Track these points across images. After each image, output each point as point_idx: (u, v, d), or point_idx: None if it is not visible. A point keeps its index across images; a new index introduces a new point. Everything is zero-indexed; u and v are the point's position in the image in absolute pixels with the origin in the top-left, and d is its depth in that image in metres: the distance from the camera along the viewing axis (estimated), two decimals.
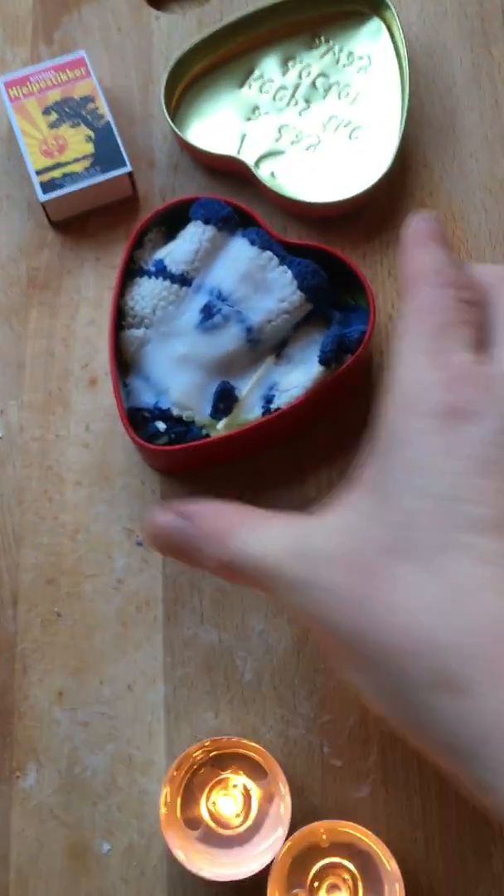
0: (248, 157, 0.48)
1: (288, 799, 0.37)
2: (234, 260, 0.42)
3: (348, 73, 0.50)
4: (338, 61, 0.50)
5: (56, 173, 0.46)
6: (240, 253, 0.42)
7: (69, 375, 0.45)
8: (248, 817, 0.38)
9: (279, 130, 0.49)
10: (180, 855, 0.37)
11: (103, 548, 0.43)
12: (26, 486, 0.44)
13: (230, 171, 0.48)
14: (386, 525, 0.28)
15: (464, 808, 0.38)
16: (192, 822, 0.38)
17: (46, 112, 0.47)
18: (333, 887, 0.37)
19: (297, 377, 0.42)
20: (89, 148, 0.47)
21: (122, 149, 0.47)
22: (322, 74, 0.50)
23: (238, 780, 0.39)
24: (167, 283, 0.42)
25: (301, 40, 0.50)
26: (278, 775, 0.38)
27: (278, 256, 0.42)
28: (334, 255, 0.43)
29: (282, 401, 0.41)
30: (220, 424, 0.41)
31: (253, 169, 0.47)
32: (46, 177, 0.46)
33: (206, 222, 0.43)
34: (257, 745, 0.38)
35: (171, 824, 0.38)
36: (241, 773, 0.39)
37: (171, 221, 0.44)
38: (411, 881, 0.37)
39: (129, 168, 0.46)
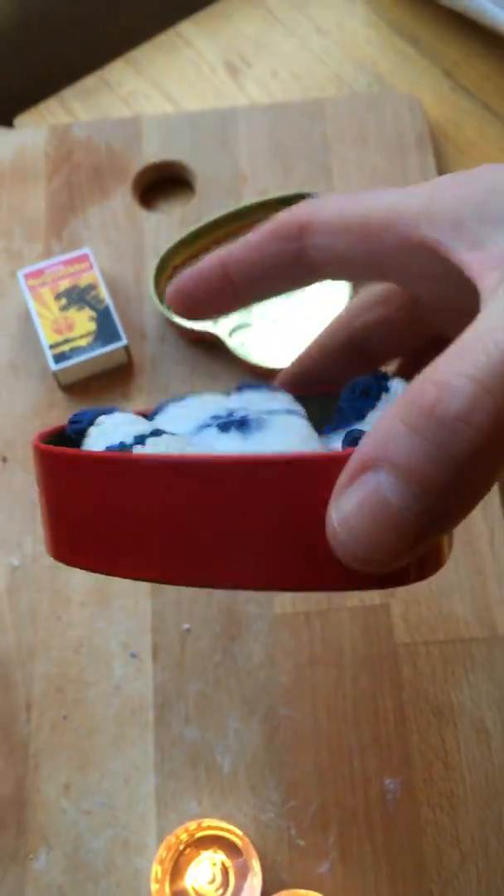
0: (222, 331, 0.58)
1: (259, 874, 0.44)
2: (197, 408, 0.32)
3: None
4: None
5: (65, 347, 0.57)
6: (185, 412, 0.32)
7: None
8: (226, 890, 0.45)
9: (248, 307, 0.59)
10: None
11: (103, 659, 0.51)
12: (38, 609, 0.52)
13: (207, 342, 0.59)
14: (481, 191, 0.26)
15: (412, 883, 0.45)
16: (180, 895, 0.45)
17: (58, 297, 0.58)
18: None
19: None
20: (92, 326, 0.57)
21: (119, 326, 0.57)
22: None
23: (217, 857, 0.46)
24: (165, 437, 0.30)
25: None
26: (251, 854, 0.45)
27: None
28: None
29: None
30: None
31: (226, 340, 0.58)
32: (57, 350, 0.57)
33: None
34: (234, 828, 0.45)
35: (160, 891, 0.44)
36: (220, 851, 0.46)
37: None
38: None
39: (125, 342, 0.57)
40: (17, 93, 0.72)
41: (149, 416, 0.33)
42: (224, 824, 0.46)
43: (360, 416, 0.32)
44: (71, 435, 0.30)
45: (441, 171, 0.64)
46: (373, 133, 0.66)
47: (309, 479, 0.23)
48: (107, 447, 0.28)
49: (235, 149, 0.66)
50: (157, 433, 0.28)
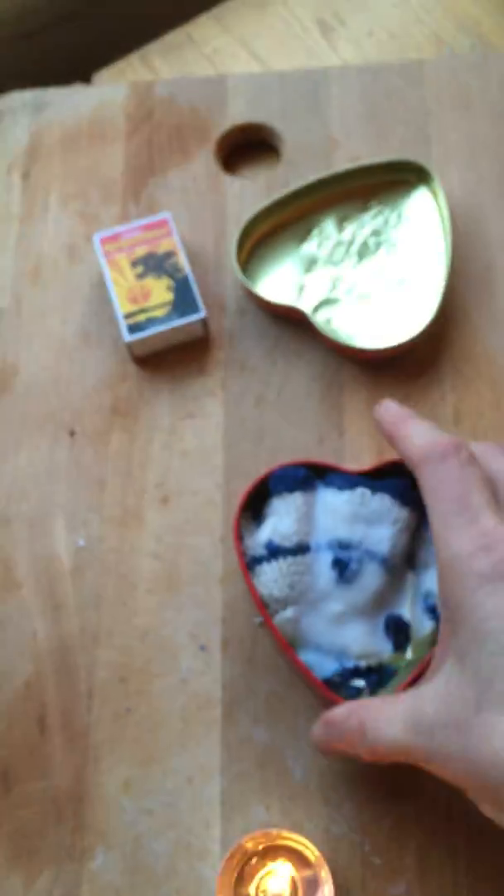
0: (306, 306, 0.55)
1: (331, 890, 0.41)
2: (333, 510, 0.46)
3: (397, 232, 0.57)
4: (387, 222, 0.57)
5: (140, 317, 0.53)
6: (335, 502, 0.46)
7: (144, 494, 0.51)
8: None
9: (334, 282, 0.56)
10: None
11: (170, 650, 0.48)
12: (103, 593, 0.49)
13: (290, 317, 0.55)
14: (470, 686, 0.33)
15: None
16: None
17: (134, 265, 0.55)
18: None
19: None
20: (170, 296, 0.54)
21: (198, 298, 0.54)
22: (374, 233, 0.57)
23: (285, 869, 0.43)
24: (289, 559, 0.45)
25: (355, 204, 0.58)
26: (323, 867, 0.42)
27: (368, 488, 0.46)
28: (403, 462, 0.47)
29: None
30: (409, 654, 0.45)
31: (310, 316, 0.54)
32: (132, 320, 0.53)
33: (291, 491, 0.46)
34: (304, 839, 0.42)
35: None
36: (289, 863, 0.43)
37: (253, 503, 0.47)
38: None
39: (203, 314, 0.53)
40: (96, 47, 0.69)
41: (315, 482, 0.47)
42: (297, 836, 0.43)
43: None
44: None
45: None
46: (476, 98, 0.61)
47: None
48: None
49: (326, 112, 0.62)
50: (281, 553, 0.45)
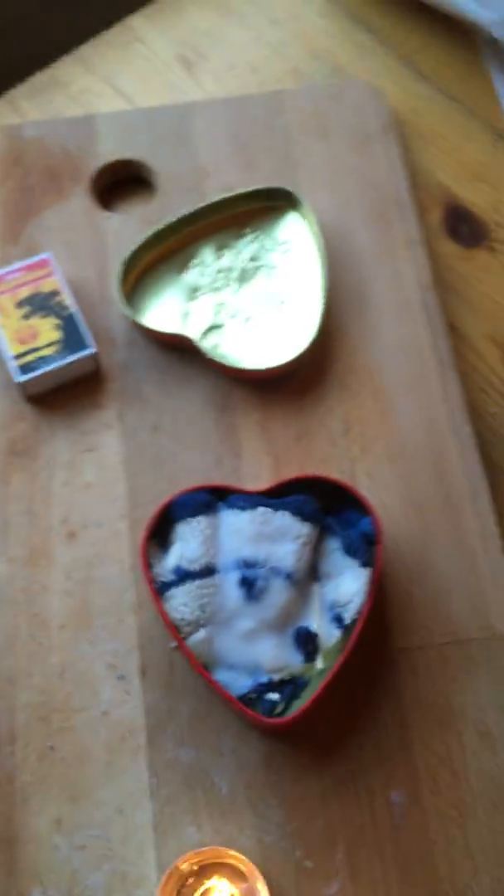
0: (193, 332, 0.56)
1: None
2: (237, 531, 0.47)
3: (273, 256, 0.59)
4: (263, 247, 0.59)
5: (30, 357, 0.54)
6: (238, 523, 0.47)
7: (50, 531, 0.52)
8: None
9: (218, 308, 0.57)
10: None
11: (89, 684, 0.48)
12: (16, 634, 0.49)
13: (179, 345, 0.56)
14: None
15: (423, 893, 0.43)
16: None
17: (19, 306, 0.55)
18: None
19: (348, 586, 0.46)
20: (58, 335, 0.54)
21: (86, 334, 0.54)
22: (251, 259, 0.59)
23: (222, 885, 0.43)
24: (197, 581, 0.46)
25: (231, 232, 0.60)
26: (257, 878, 0.43)
27: (269, 506, 0.47)
28: (306, 478, 0.49)
29: (351, 612, 0.46)
30: (319, 664, 0.46)
31: (197, 342, 0.55)
32: (22, 360, 0.54)
33: (194, 516, 0.48)
34: (237, 854, 0.43)
35: None
36: (224, 878, 0.44)
37: (158, 530, 0.48)
38: None
39: (93, 349, 0.54)
40: None
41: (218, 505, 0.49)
42: (229, 851, 0.44)
43: (347, 548, 0.48)
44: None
45: (407, 160, 0.63)
46: (335, 124, 0.64)
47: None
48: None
49: (195, 144, 0.64)
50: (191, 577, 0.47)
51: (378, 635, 0.49)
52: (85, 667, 0.48)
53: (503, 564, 0.50)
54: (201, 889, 0.43)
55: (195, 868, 0.44)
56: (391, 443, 0.54)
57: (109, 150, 0.63)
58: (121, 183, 0.64)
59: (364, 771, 0.46)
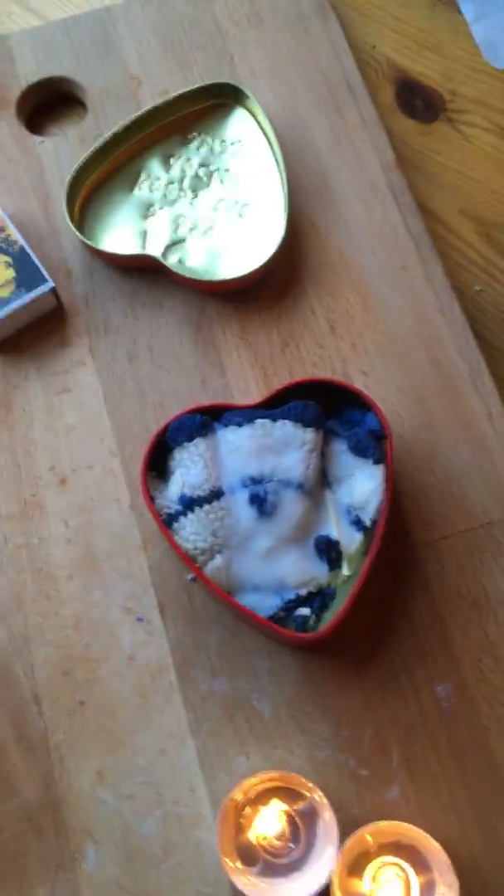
0: (155, 251, 0.53)
1: (331, 812, 0.41)
2: (238, 448, 0.45)
3: (224, 158, 0.55)
4: (213, 150, 0.55)
5: None
6: (238, 440, 0.45)
7: (39, 480, 0.49)
8: (298, 841, 0.42)
9: (176, 221, 0.54)
10: (249, 891, 0.40)
11: (107, 630, 0.46)
12: (22, 591, 0.47)
13: (141, 266, 0.53)
14: None
15: (486, 780, 0.42)
16: (250, 860, 0.41)
17: None
18: (389, 883, 0.41)
19: (362, 487, 0.44)
20: (10, 273, 0.51)
21: (41, 268, 0.51)
22: (202, 164, 0.55)
23: (280, 808, 0.42)
24: (205, 507, 0.44)
25: (177, 138, 0.56)
26: (315, 793, 0.41)
27: (267, 418, 0.45)
28: (300, 384, 0.46)
29: (370, 513, 0.44)
30: (345, 570, 0.44)
31: (161, 260, 0.52)
32: None
33: (191, 440, 0.45)
34: (291, 774, 0.42)
35: (233, 868, 0.41)
36: (282, 801, 0.42)
37: (155, 461, 0.46)
38: (455, 858, 0.40)
39: (51, 284, 0.51)
40: None
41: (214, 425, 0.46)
42: (282, 773, 0.42)
43: (356, 447, 0.45)
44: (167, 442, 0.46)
45: (348, 38, 0.59)
46: (266, 9, 0.60)
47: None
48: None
49: (121, 52, 0.59)
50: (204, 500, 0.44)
51: (399, 532, 0.47)
52: (100, 614, 0.46)
53: None
54: (260, 816, 0.42)
55: (251, 797, 0.42)
56: (380, 334, 0.51)
57: (30, 70, 0.59)
58: (48, 104, 0.59)
59: (406, 669, 0.44)
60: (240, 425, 0.45)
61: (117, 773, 0.43)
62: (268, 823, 0.42)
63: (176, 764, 0.43)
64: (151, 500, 0.45)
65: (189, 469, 0.45)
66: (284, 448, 0.45)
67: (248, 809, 0.42)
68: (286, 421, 0.45)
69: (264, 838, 0.42)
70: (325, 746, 0.43)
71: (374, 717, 0.44)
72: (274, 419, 0.45)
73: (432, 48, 0.60)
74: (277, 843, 0.42)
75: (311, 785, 0.41)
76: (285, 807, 0.42)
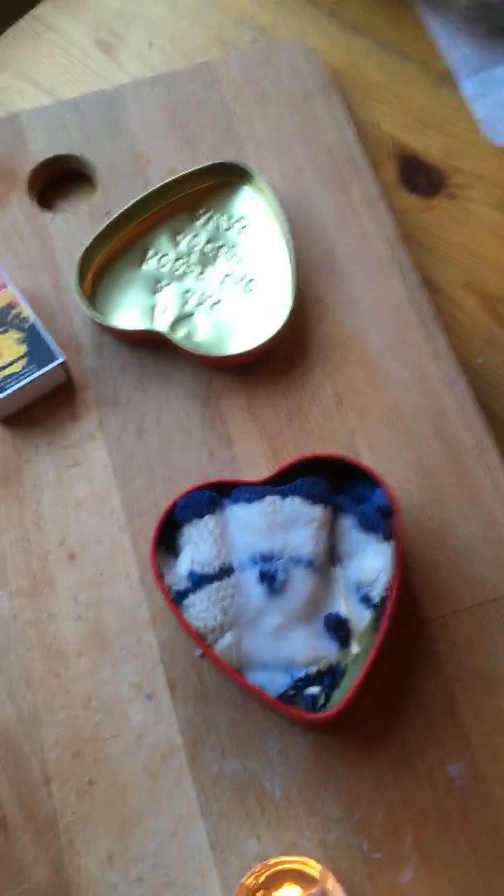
0: (162, 326, 0.53)
1: (342, 893, 0.40)
2: (247, 525, 0.45)
3: (231, 235, 0.56)
4: (220, 227, 0.57)
5: None
6: (247, 516, 0.45)
7: (48, 556, 0.49)
8: None
9: (184, 296, 0.55)
10: None
11: (118, 708, 0.46)
12: (31, 669, 0.46)
13: (150, 341, 0.54)
14: None
15: (501, 862, 0.42)
16: None
17: None
18: None
19: (371, 564, 0.44)
20: (22, 349, 0.51)
21: (52, 343, 0.51)
22: (209, 240, 0.56)
23: (293, 893, 0.41)
24: (214, 584, 0.44)
25: (185, 215, 0.57)
26: (328, 879, 0.41)
27: (276, 494, 0.45)
28: (308, 459, 0.47)
29: (379, 590, 0.44)
30: (354, 648, 0.44)
31: (169, 335, 0.53)
32: None
33: (201, 516, 0.45)
34: (302, 858, 0.41)
35: None
36: (295, 885, 0.42)
37: (164, 537, 0.46)
38: None
39: (61, 358, 0.51)
40: None
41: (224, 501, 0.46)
42: (294, 857, 0.42)
43: (363, 524, 0.46)
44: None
45: (352, 116, 0.61)
46: (271, 88, 0.62)
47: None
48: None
49: (130, 130, 0.61)
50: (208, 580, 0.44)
51: (408, 608, 0.47)
52: (110, 692, 0.46)
53: None
54: None
55: (262, 880, 0.42)
56: (386, 408, 0.52)
57: (40, 149, 0.60)
58: (58, 181, 0.60)
59: (418, 748, 0.44)
60: (249, 501, 0.46)
61: (127, 856, 0.43)
62: None
63: (186, 847, 0.43)
64: (160, 576, 0.45)
65: (198, 546, 0.45)
66: (294, 525, 0.45)
67: (259, 893, 0.42)
68: (295, 497, 0.45)
69: None
70: (337, 828, 0.43)
71: (386, 797, 0.44)
72: (283, 495, 0.46)
73: (435, 125, 0.62)
74: None
75: (322, 869, 0.41)
76: (298, 890, 0.42)
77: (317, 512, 0.45)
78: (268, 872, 0.42)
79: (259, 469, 0.50)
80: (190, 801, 0.44)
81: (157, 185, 0.56)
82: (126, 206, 0.55)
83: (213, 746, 0.45)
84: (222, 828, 0.43)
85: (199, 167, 0.57)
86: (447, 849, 0.43)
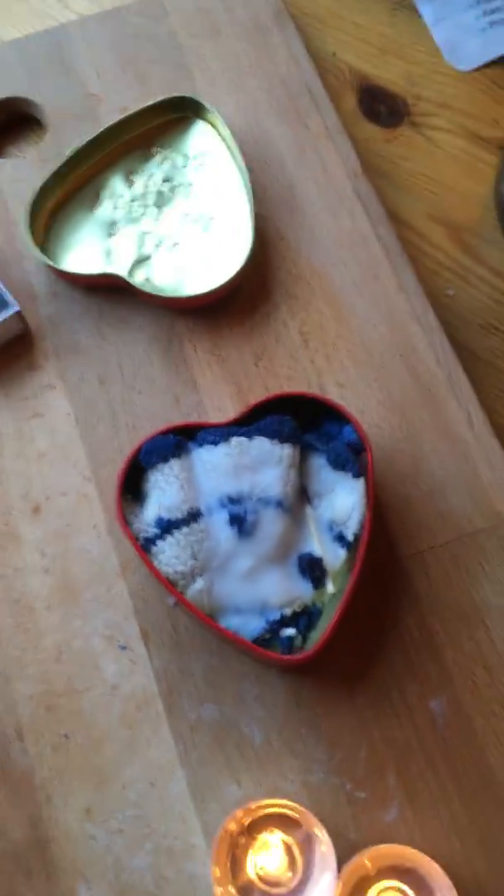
0: (120, 269, 0.52)
1: (328, 841, 0.39)
2: (214, 467, 0.43)
3: (187, 173, 0.54)
4: (175, 165, 0.55)
5: None
6: (213, 459, 0.44)
7: (11, 510, 0.47)
8: (295, 870, 0.40)
9: (141, 239, 0.53)
10: None
11: (90, 661, 0.44)
12: (0, 625, 0.45)
13: (107, 286, 0.52)
14: None
15: (488, 801, 0.42)
16: (247, 891, 0.40)
17: None
18: None
19: (343, 502, 0.43)
20: None
21: (5, 292, 0.50)
22: (165, 180, 0.54)
23: (275, 838, 0.41)
24: (183, 529, 0.43)
25: (139, 155, 0.55)
26: (312, 822, 0.40)
27: (242, 435, 0.44)
28: (274, 398, 0.45)
29: (352, 528, 0.43)
30: (329, 587, 0.43)
31: (127, 278, 0.51)
32: None
33: (166, 461, 0.44)
34: (285, 801, 0.41)
35: None
36: (277, 830, 0.41)
37: (129, 484, 0.45)
38: (459, 881, 0.39)
39: (16, 307, 0.49)
40: None
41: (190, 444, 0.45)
42: (276, 800, 0.41)
43: (335, 461, 0.44)
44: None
45: (308, 46, 0.59)
46: (223, 20, 0.59)
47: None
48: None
49: (78, 69, 0.58)
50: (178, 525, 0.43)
51: (384, 546, 0.46)
52: (81, 644, 0.45)
53: (496, 447, 0.48)
54: (255, 846, 0.41)
55: (245, 826, 0.41)
56: (354, 345, 0.50)
57: None
58: (7, 125, 0.58)
59: (398, 686, 0.43)
60: (215, 444, 0.44)
61: (106, 809, 0.42)
62: (263, 853, 0.41)
63: (166, 796, 0.42)
64: (128, 524, 0.43)
65: (165, 491, 0.44)
66: (262, 465, 0.44)
67: (242, 839, 0.41)
68: (262, 437, 0.44)
69: (260, 868, 0.40)
70: (319, 770, 0.42)
71: (368, 737, 0.43)
72: (250, 436, 0.44)
73: (394, 52, 0.60)
74: (274, 872, 0.40)
75: (305, 811, 0.40)
76: (281, 835, 0.41)
77: (285, 451, 0.44)
78: (250, 817, 0.41)
79: (226, 412, 0.49)
80: (168, 749, 0.43)
81: (108, 124, 0.54)
82: (75, 147, 0.53)
83: (190, 694, 0.44)
84: (202, 775, 0.42)
85: (150, 103, 0.54)
86: (431, 786, 0.42)
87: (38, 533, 0.47)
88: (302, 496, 0.45)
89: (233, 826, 0.41)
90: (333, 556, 0.43)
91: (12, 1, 0.63)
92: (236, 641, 0.42)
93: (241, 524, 0.43)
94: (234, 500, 0.43)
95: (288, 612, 0.43)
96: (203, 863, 0.41)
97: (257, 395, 0.49)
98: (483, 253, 0.55)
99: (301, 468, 0.45)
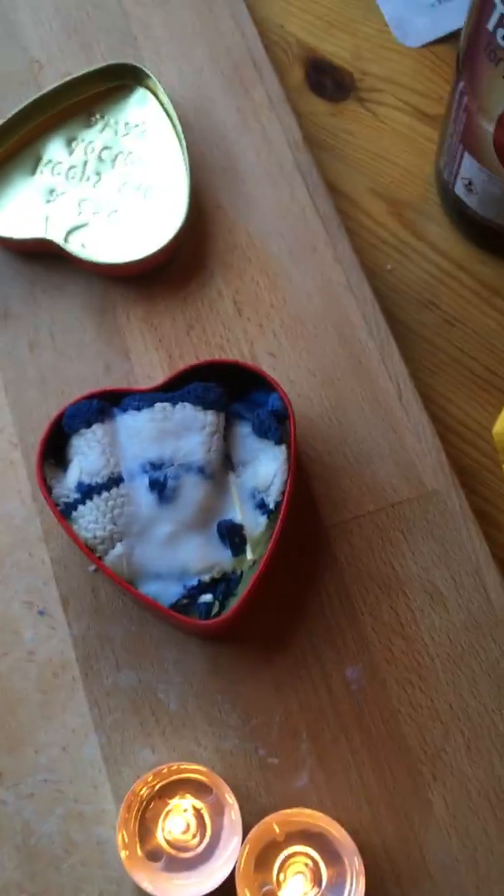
0: (56, 235, 0.51)
1: (236, 806, 0.39)
2: (137, 433, 0.43)
3: (128, 140, 0.54)
4: (116, 133, 0.54)
5: None
6: (136, 424, 0.43)
7: None
8: (203, 835, 0.40)
9: (79, 205, 0.52)
10: (149, 888, 0.38)
11: (8, 625, 0.44)
12: None
13: (42, 251, 0.51)
14: None
15: (399, 768, 0.41)
16: (154, 855, 0.40)
17: None
18: (298, 874, 0.39)
19: (266, 469, 0.43)
20: None
21: None
22: (105, 147, 0.54)
23: (185, 802, 0.41)
24: (104, 494, 0.42)
25: (78, 121, 0.54)
26: (222, 787, 0.40)
27: (167, 401, 0.43)
28: (201, 365, 0.45)
29: (274, 496, 0.42)
30: (249, 554, 0.42)
31: (62, 245, 0.50)
32: None
33: (88, 426, 0.43)
34: (196, 766, 0.40)
35: (135, 863, 0.39)
36: (188, 795, 0.41)
37: (55, 450, 0.44)
38: (366, 847, 0.40)
39: None
40: None
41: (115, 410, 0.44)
42: (187, 765, 0.41)
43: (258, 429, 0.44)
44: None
45: (255, 17, 0.58)
46: None
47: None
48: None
49: (22, 36, 0.58)
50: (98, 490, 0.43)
51: (307, 514, 0.46)
52: (1, 609, 0.44)
53: (424, 420, 0.48)
54: (165, 810, 0.41)
55: (155, 791, 0.41)
56: (288, 316, 0.50)
57: None
58: None
59: (315, 654, 0.43)
60: (139, 409, 0.44)
61: (17, 772, 0.42)
62: (172, 817, 0.41)
63: (78, 760, 0.42)
64: (49, 489, 0.43)
65: (86, 455, 0.43)
66: (185, 431, 0.44)
67: (152, 804, 0.41)
68: (186, 404, 0.44)
69: (168, 832, 0.40)
70: (233, 736, 0.42)
71: (284, 703, 0.43)
72: (174, 402, 0.44)
73: (341, 27, 0.60)
74: (181, 836, 0.40)
75: (216, 777, 0.40)
76: (192, 800, 0.41)
77: (209, 418, 0.44)
78: (160, 781, 0.41)
79: (157, 380, 0.48)
80: (83, 714, 0.43)
81: (49, 89, 0.53)
82: (14, 112, 0.53)
83: (108, 660, 0.44)
84: (116, 739, 0.42)
85: (92, 69, 0.54)
86: (344, 753, 0.42)
87: None
88: (226, 464, 0.44)
89: (143, 790, 0.41)
90: (254, 524, 0.43)
91: None
92: (154, 607, 0.42)
93: (161, 490, 0.43)
94: (155, 466, 0.43)
95: (206, 578, 0.43)
96: (113, 827, 0.41)
97: (186, 363, 0.49)
98: (423, 229, 0.55)
99: (227, 436, 0.45)
